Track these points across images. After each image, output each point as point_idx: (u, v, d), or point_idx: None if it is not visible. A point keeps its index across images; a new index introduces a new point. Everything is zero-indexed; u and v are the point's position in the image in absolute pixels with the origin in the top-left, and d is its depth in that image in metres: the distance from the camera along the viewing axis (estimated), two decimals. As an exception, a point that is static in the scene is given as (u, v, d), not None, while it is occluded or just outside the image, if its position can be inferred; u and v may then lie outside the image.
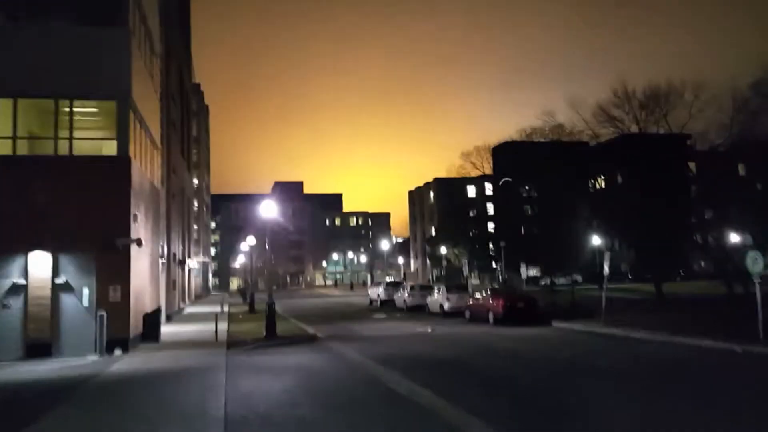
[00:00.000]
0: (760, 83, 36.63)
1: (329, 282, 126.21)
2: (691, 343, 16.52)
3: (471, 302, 27.17)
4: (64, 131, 17.55)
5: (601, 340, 18.82)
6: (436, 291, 32.35)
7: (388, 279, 51.74)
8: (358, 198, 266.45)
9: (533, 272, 52.29)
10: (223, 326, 23.89)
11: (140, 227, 19.29)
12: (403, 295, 36.16)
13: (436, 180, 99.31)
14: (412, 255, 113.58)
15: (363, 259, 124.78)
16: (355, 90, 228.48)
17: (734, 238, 44.93)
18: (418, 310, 33.15)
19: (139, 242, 18.39)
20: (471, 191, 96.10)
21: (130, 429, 8.91)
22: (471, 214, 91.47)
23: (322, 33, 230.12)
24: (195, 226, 58.08)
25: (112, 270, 17.41)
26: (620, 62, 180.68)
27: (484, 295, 26.40)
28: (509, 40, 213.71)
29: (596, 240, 49.83)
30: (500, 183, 75.06)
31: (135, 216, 18.37)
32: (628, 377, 12.51)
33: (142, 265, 20.08)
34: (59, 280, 17.08)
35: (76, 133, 17.82)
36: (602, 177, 61.09)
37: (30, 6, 18.09)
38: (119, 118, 18.07)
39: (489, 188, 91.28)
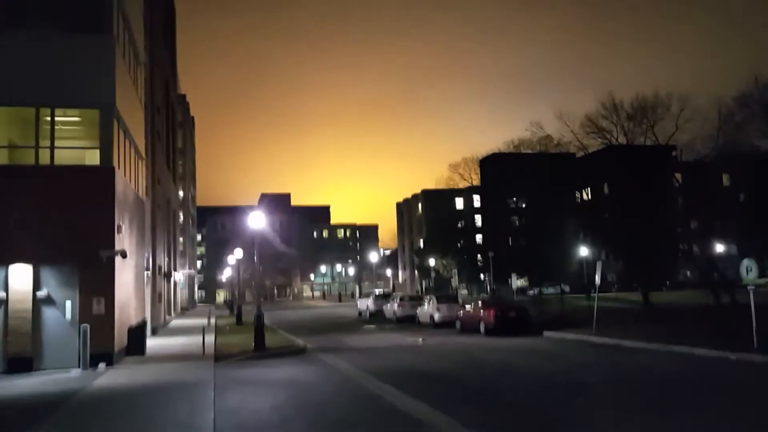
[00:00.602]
0: (745, 96, 37.10)
1: (317, 294, 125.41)
2: (685, 352, 16.37)
3: (462, 313, 26.92)
4: (45, 140, 17.14)
5: (594, 349, 18.64)
6: (426, 302, 32.07)
7: (377, 290, 51.25)
8: (346, 210, 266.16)
9: (521, 282, 52.33)
10: (210, 339, 23.43)
11: (125, 239, 18.87)
12: (392, 307, 35.84)
13: (424, 191, 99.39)
14: (400, 266, 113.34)
15: (351, 270, 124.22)
16: (343, 103, 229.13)
17: (719, 248, 45.29)
18: (407, 321, 32.83)
19: (123, 254, 17.96)
20: (459, 203, 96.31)
21: (113, 447, 8.52)
22: (459, 225, 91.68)
23: (309, 46, 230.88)
24: (181, 239, 57.43)
25: (95, 282, 16.96)
26: (608, 74, 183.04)
27: (475, 305, 26.16)
28: (497, 52, 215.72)
29: (583, 251, 50.00)
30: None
31: (119, 227, 17.96)
32: (628, 388, 12.27)
33: (126, 277, 19.63)
34: (41, 293, 16.62)
35: (59, 143, 17.41)
36: (589, 188, 61.56)
37: (11, 13, 17.70)
38: (102, 127, 17.70)
39: (477, 200, 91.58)
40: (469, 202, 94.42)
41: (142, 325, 20.61)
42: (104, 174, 17.50)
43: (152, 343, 23.13)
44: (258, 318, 20.84)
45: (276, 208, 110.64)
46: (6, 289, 16.35)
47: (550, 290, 64.51)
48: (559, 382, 13.12)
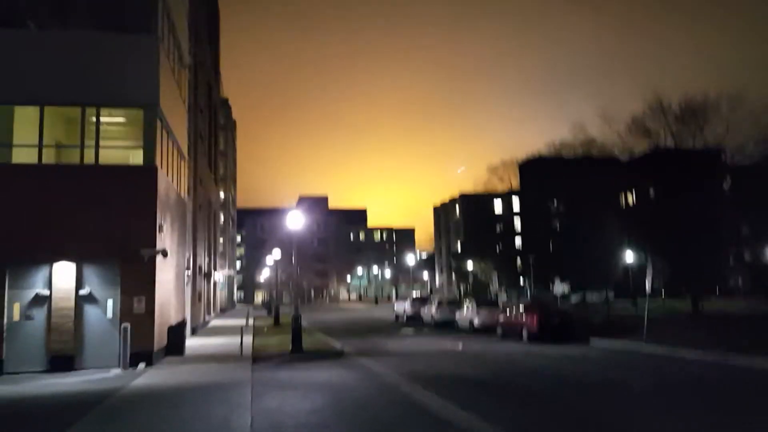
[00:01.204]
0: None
1: (353, 296, 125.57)
2: (745, 364, 15.42)
3: (503, 318, 26.25)
4: (90, 140, 17.28)
5: (647, 359, 17.77)
6: (465, 306, 31.49)
7: (414, 293, 50.77)
8: (383, 213, 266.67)
9: (564, 288, 51.10)
10: (248, 340, 23.39)
11: (166, 238, 18.92)
12: (430, 310, 35.36)
13: (462, 196, 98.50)
14: (437, 270, 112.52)
15: (387, 273, 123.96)
16: (381, 104, 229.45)
17: (773, 253, 43.35)
18: (445, 326, 32.30)
19: (164, 253, 17.99)
20: (498, 206, 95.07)
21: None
22: (498, 229, 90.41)
23: (350, 48, 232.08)
24: (221, 239, 58.05)
25: (136, 281, 17.00)
26: (656, 74, 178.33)
27: (517, 310, 25.46)
28: (538, 52, 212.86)
29: (629, 256, 48.51)
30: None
31: (161, 226, 17.99)
32: (692, 403, 11.49)
33: (167, 276, 19.69)
34: (83, 291, 16.74)
35: (103, 142, 17.55)
36: (634, 191, 59.81)
37: (57, 13, 17.97)
38: (146, 127, 17.76)
39: (516, 203, 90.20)
40: (507, 205, 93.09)
41: (181, 325, 20.63)
42: (147, 173, 17.56)
43: (191, 342, 23.20)
44: (295, 319, 20.67)
45: (314, 210, 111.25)
46: (50, 287, 16.53)
47: (594, 296, 62.94)
48: (620, 394, 12.45)
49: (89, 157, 17.19)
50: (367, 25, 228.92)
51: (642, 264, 47.36)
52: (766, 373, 14.50)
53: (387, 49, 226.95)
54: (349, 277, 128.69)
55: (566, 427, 9.63)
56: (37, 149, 16.94)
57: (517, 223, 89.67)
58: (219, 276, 50.20)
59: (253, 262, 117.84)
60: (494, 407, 11.15)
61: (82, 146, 17.22)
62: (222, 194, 59.80)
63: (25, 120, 17.38)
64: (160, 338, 18.19)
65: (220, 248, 56.86)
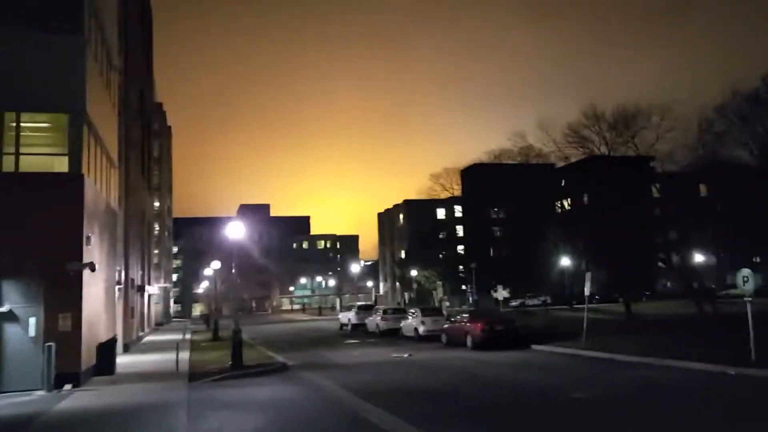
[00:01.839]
0: (724, 107, 37.25)
1: (296, 307, 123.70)
2: (682, 366, 15.74)
3: (448, 326, 26.17)
4: (9, 146, 16.13)
5: (588, 363, 17.95)
6: (410, 315, 31.32)
7: (359, 303, 50.31)
8: (327, 221, 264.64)
9: (505, 294, 51.81)
10: (184, 356, 22.40)
11: (94, 250, 17.83)
12: (375, 319, 35.00)
13: (406, 202, 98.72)
14: (381, 278, 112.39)
15: (332, 282, 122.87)
16: (323, 113, 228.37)
17: (699, 258, 45.34)
18: (391, 335, 32.01)
19: (92, 267, 16.91)
20: (441, 213, 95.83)
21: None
22: (441, 236, 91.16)
23: (289, 56, 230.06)
24: (156, 251, 55.99)
25: (62, 297, 15.93)
26: (592, 85, 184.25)
27: (461, 318, 25.41)
28: (480, 63, 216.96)
29: (564, 261, 49.71)
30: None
31: (88, 238, 16.95)
32: (634, 405, 11.52)
33: (95, 291, 18.57)
34: (2, 309, 15.61)
35: (25, 149, 16.52)
36: (569, 198, 61.56)
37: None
38: (72, 133, 16.78)
39: (459, 210, 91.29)
40: (450, 212, 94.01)
41: (111, 343, 19.49)
42: (72, 181, 16.52)
43: (123, 360, 22.03)
44: (235, 333, 19.89)
45: (255, 219, 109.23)
46: (-36, 305, 15.24)
47: (534, 301, 64.20)
48: (565, 399, 12.40)
49: (9, 165, 16.03)
50: (308, 35, 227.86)
51: (579, 270, 48.66)
52: (696, 372, 14.92)
53: (329, 58, 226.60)
54: (292, 287, 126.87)
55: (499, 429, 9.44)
56: (-51, 156, 15.65)
57: (460, 230, 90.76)
58: (154, 289, 48.31)
59: (191, 274, 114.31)
60: (446, 422, 10.86)
61: (1, 153, 16.05)
62: (157, 203, 57.79)
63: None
64: (88, 357, 17.10)
65: (155, 260, 54.83)
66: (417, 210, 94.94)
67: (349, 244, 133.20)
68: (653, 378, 14.58)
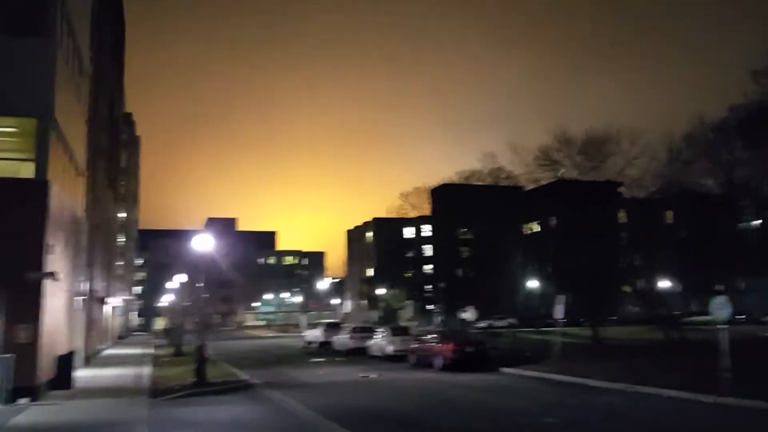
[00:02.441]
0: (692, 135, 38.23)
1: (261, 323, 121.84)
2: (654, 393, 15.75)
3: (416, 346, 25.99)
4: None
5: (558, 388, 17.93)
6: (378, 334, 31.05)
7: (327, 320, 49.75)
8: (294, 238, 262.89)
9: (472, 315, 51.85)
10: (146, 371, 21.72)
11: (57, 260, 17.23)
12: (342, 338, 34.61)
13: (375, 220, 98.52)
14: (348, 295, 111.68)
15: (297, 299, 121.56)
16: (293, 130, 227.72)
17: (664, 283, 46.18)
18: (358, 354, 31.63)
19: (54, 276, 16.32)
20: (409, 232, 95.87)
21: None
22: (409, 254, 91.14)
23: (256, 73, 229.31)
24: (120, 262, 54.66)
25: (21, 307, 15.29)
26: (562, 109, 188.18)
27: (431, 338, 25.25)
28: (453, 83, 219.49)
29: (532, 283, 50.07)
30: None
31: (52, 247, 16.37)
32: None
33: (57, 302, 17.91)
34: (-45, 319, 14.83)
35: (-12, 153, 15.89)
36: (537, 221, 62.25)
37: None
38: (39, 138, 16.28)
39: (427, 230, 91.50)
40: (419, 232, 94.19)
41: (70, 355, 18.77)
42: (36, 188, 15.99)
43: (83, 374, 21.26)
44: (199, 348, 19.39)
45: (221, 233, 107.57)
46: None
47: (501, 323, 64.40)
48: (538, 424, 12.31)
49: (-30, 169, 15.45)
50: (277, 54, 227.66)
51: (546, 292, 48.97)
52: (669, 400, 14.98)
53: (300, 76, 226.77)
54: (256, 303, 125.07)
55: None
56: None
57: (428, 250, 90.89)
58: (116, 301, 47.03)
59: (155, 287, 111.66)
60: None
61: (-38, 157, 15.45)
62: (123, 214, 56.54)
63: None
64: (47, 370, 16.45)
65: (119, 271, 53.52)
66: (386, 228, 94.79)
67: (315, 261, 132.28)
68: (624, 405, 14.61)
